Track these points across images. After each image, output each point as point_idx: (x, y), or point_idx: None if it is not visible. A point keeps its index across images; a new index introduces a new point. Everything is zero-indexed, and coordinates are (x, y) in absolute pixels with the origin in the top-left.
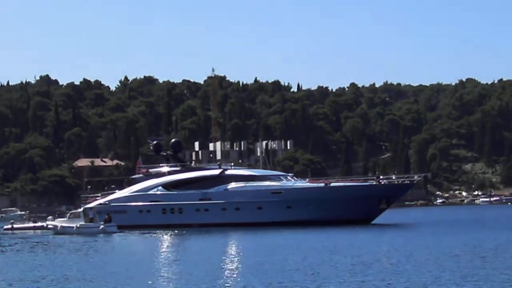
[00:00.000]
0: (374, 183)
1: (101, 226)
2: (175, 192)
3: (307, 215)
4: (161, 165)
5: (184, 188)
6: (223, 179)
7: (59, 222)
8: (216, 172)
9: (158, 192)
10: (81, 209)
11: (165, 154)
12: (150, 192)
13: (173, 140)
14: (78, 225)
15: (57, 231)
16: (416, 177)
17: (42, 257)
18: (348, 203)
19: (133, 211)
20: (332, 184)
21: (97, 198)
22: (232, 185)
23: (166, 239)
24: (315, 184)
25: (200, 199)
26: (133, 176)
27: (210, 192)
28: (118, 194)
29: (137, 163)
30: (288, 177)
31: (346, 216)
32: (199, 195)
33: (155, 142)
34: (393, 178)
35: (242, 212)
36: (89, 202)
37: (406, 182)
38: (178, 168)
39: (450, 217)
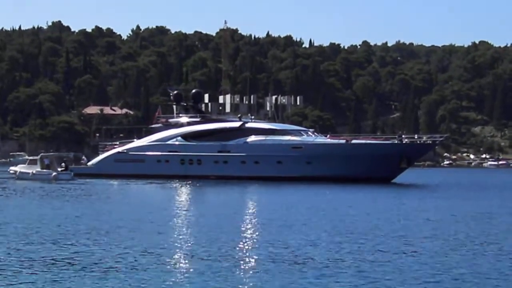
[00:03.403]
0: (396, 141)
1: (54, 174)
2: (194, 143)
3: (326, 171)
4: (180, 115)
5: (203, 140)
6: (243, 131)
7: (19, 168)
8: (236, 124)
9: (177, 143)
10: (38, 156)
11: (185, 104)
12: (169, 142)
13: (193, 90)
14: (34, 172)
15: (17, 176)
16: (438, 137)
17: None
18: (368, 160)
19: (151, 161)
20: (353, 141)
21: (115, 146)
22: (252, 138)
23: (181, 189)
24: (336, 141)
25: (219, 151)
26: (152, 126)
27: (230, 145)
28: (137, 143)
29: (155, 113)
30: (309, 133)
31: (366, 174)
32: (218, 147)
33: (175, 92)
34: (416, 137)
35: (261, 165)
36: (107, 150)
37: (428, 142)
38: (198, 119)
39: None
